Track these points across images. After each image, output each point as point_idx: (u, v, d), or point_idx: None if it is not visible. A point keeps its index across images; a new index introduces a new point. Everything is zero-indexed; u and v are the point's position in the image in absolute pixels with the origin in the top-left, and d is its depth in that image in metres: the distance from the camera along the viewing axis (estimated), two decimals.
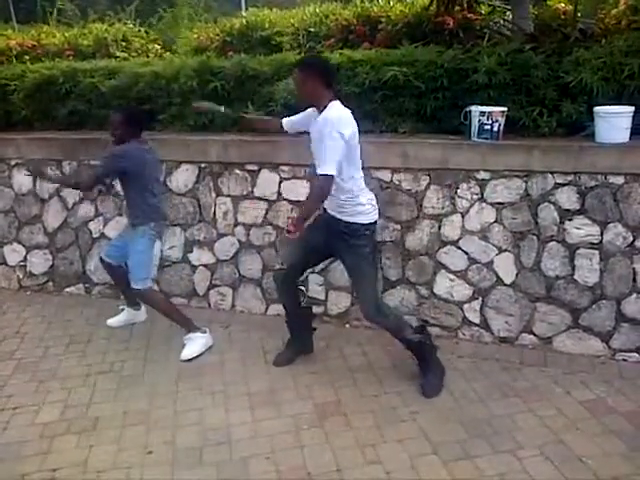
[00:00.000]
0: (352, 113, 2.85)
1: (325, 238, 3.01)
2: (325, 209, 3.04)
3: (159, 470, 2.54)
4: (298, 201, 3.85)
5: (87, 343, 3.69)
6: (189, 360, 3.40)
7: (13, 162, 4.57)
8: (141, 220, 3.43)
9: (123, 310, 3.89)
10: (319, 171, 2.72)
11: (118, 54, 5.49)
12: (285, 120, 3.20)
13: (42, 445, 2.71)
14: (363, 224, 2.92)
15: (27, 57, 5.32)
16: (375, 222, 3.00)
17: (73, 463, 2.59)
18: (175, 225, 4.17)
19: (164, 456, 2.62)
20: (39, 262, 4.59)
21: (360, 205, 2.91)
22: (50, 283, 4.59)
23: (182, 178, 4.12)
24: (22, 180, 4.54)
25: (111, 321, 3.87)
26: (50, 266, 4.57)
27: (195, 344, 3.47)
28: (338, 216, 2.95)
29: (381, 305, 3.11)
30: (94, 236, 4.42)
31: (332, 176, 2.71)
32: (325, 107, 2.81)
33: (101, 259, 3.74)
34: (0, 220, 4.65)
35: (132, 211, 3.48)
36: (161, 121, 4.40)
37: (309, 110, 3.00)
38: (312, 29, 4.75)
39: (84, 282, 4.49)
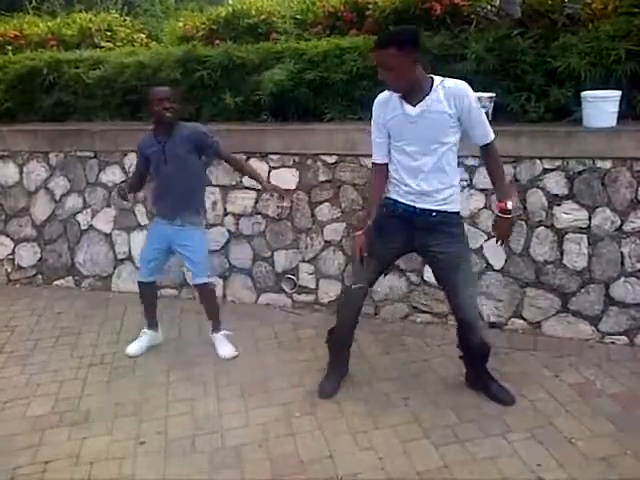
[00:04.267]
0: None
1: (409, 237, 2.69)
2: (399, 201, 2.67)
3: (152, 460, 2.53)
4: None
5: (77, 335, 3.67)
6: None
7: None
8: (198, 211, 3.23)
9: (144, 334, 3.47)
10: (486, 140, 2.56)
11: (103, 44, 5.42)
12: (381, 159, 2.72)
13: (34, 438, 2.70)
14: (458, 211, 2.71)
15: (9, 48, 5.23)
16: None
17: (65, 455, 2.58)
18: None
19: (157, 446, 2.62)
20: (27, 255, 4.55)
21: (457, 191, 2.68)
22: (39, 276, 4.55)
23: None
24: (8, 172, 4.49)
25: (132, 350, 3.40)
26: (39, 259, 4.54)
27: (228, 341, 3.39)
28: (438, 207, 2.62)
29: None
30: (82, 228, 4.38)
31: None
32: (431, 84, 2.50)
33: (142, 283, 3.36)
34: None
35: (191, 202, 3.18)
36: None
37: (381, 107, 2.62)
38: (299, 16, 4.71)
39: (73, 275, 4.46)
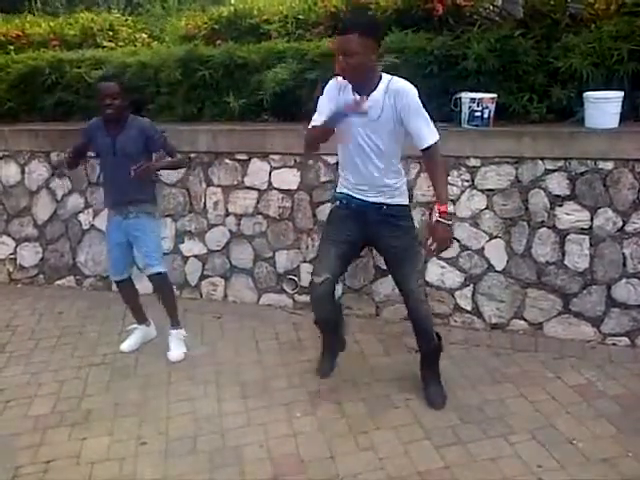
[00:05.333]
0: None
1: (362, 230, 2.73)
2: (352, 196, 2.73)
3: (153, 460, 2.54)
4: (289, 190, 3.84)
5: (79, 335, 3.68)
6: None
7: (0, 154, 4.52)
8: (153, 200, 3.31)
9: (135, 330, 3.51)
10: (432, 140, 2.54)
11: (105, 44, 5.42)
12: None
13: (35, 437, 2.70)
14: (407, 205, 2.77)
15: (11, 47, 5.24)
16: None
17: (66, 455, 2.58)
18: (166, 216, 4.14)
19: (158, 446, 2.62)
20: (29, 255, 4.56)
21: (404, 185, 2.75)
22: (41, 276, 4.56)
23: None
24: (10, 172, 4.50)
25: (124, 346, 3.44)
26: (40, 259, 4.54)
27: (179, 343, 3.39)
28: (386, 200, 2.68)
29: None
30: (84, 228, 4.39)
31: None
32: (380, 79, 2.54)
33: (117, 282, 3.41)
34: None
35: (144, 192, 3.20)
36: (149, 111, 4.36)
37: (332, 90, 2.61)
38: (301, 16, 4.70)
39: (75, 274, 4.47)
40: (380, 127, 2.56)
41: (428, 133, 2.56)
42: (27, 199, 4.50)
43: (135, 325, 3.51)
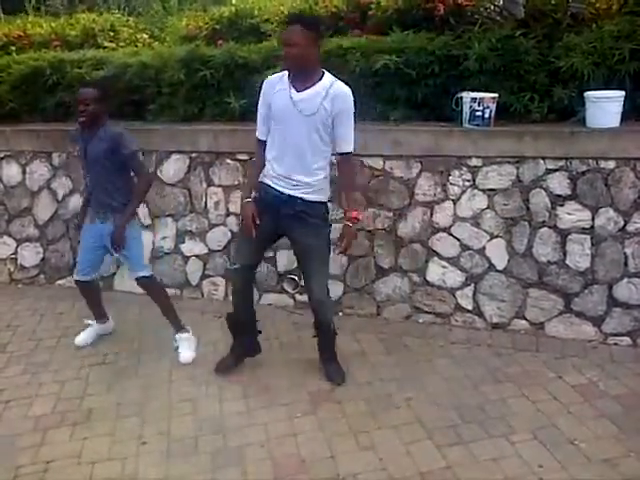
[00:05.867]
0: None
1: (276, 220, 2.81)
2: (271, 186, 2.80)
3: (154, 460, 2.53)
4: None
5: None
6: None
7: (2, 154, 4.52)
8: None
9: (90, 326, 3.56)
10: (349, 149, 2.65)
11: (106, 44, 5.42)
12: (261, 136, 2.86)
13: (36, 437, 2.70)
14: (325, 202, 2.83)
15: (13, 48, 5.24)
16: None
17: (67, 455, 2.58)
18: (167, 216, 4.15)
19: (159, 446, 2.62)
20: (30, 255, 4.56)
21: (325, 183, 2.80)
22: (41, 276, 4.56)
23: (173, 168, 4.10)
24: (11, 172, 4.50)
25: (78, 340, 3.50)
26: (41, 259, 4.54)
27: (190, 345, 3.38)
28: (302, 195, 2.76)
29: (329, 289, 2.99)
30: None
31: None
32: (320, 77, 2.65)
33: (79, 282, 3.39)
34: None
35: (117, 199, 3.17)
36: (151, 111, 4.37)
37: (268, 90, 2.74)
38: None
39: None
40: (311, 124, 2.66)
41: (351, 140, 2.70)
42: (28, 199, 4.50)
43: (90, 321, 3.56)
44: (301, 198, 2.75)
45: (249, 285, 3.06)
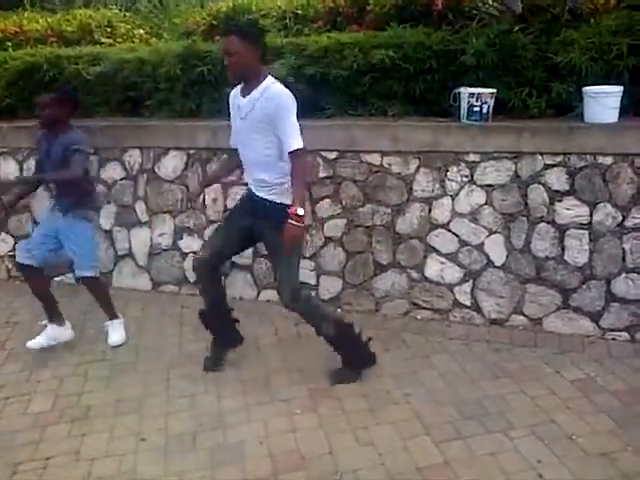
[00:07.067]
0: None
1: (251, 220, 2.87)
2: (249, 189, 2.93)
3: (153, 457, 2.54)
4: None
5: (78, 332, 3.66)
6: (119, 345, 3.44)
7: None
8: (88, 205, 3.38)
9: (46, 327, 3.42)
10: (294, 146, 2.64)
11: (103, 40, 5.40)
12: (232, 145, 2.97)
13: (34, 434, 2.71)
14: (286, 205, 2.77)
15: (9, 44, 5.22)
16: None
17: (66, 452, 2.58)
18: (164, 212, 4.14)
19: (157, 443, 2.62)
20: None
21: (288, 184, 2.76)
22: None
23: (170, 165, 4.09)
24: (8, 169, 4.49)
25: (32, 343, 3.35)
26: None
27: (119, 329, 3.50)
28: (266, 196, 2.80)
29: (302, 291, 2.95)
30: None
31: (305, 148, 2.68)
32: (261, 82, 2.70)
33: (19, 265, 3.37)
34: None
35: (77, 197, 3.28)
36: (148, 107, 4.36)
37: (231, 98, 2.88)
38: (299, 11, 4.69)
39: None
40: (253, 126, 2.72)
41: (293, 139, 2.65)
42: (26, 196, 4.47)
43: (45, 322, 3.46)
44: (266, 199, 2.81)
45: (215, 275, 3.06)
